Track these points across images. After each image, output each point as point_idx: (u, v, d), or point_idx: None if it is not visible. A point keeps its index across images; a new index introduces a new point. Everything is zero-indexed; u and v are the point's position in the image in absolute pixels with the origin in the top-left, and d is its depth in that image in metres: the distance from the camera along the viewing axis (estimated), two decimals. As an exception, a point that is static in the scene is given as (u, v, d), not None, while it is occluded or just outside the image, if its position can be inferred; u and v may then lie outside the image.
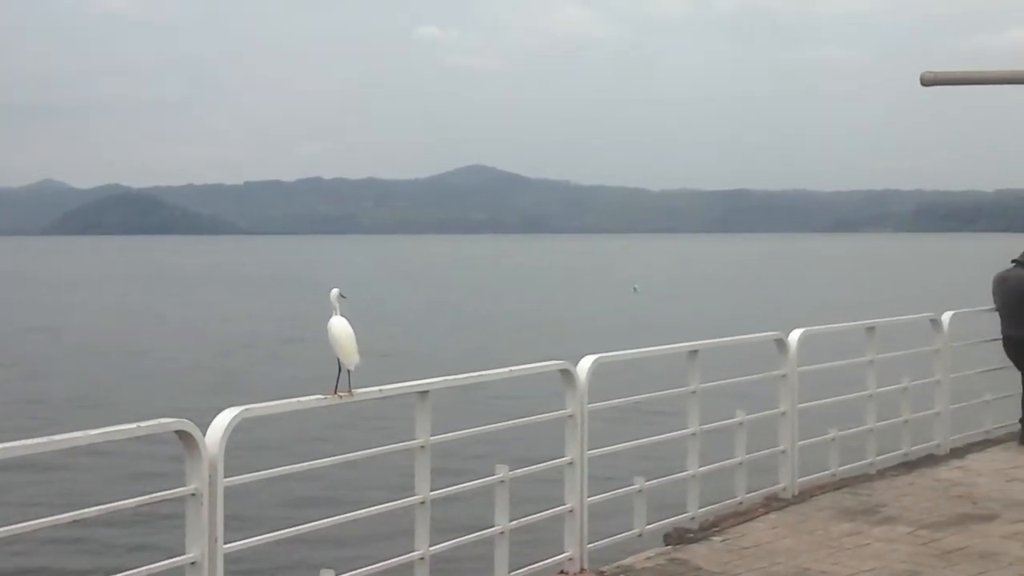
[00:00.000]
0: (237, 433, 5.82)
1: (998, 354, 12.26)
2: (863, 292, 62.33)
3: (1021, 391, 12.08)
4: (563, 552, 7.78)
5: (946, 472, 10.80)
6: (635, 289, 67.61)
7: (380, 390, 6.70)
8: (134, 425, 5.49)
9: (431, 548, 6.80)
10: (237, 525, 7.06)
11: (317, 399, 6.37)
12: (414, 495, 6.81)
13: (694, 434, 8.94)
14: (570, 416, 7.82)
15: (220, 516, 5.71)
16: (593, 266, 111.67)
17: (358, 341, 6.41)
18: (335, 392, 6.37)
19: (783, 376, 9.83)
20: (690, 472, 8.91)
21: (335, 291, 6.39)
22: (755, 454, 9.58)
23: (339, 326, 6.37)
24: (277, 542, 6.15)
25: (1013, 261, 12.26)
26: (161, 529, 12.73)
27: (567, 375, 7.82)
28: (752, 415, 9.56)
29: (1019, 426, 12.14)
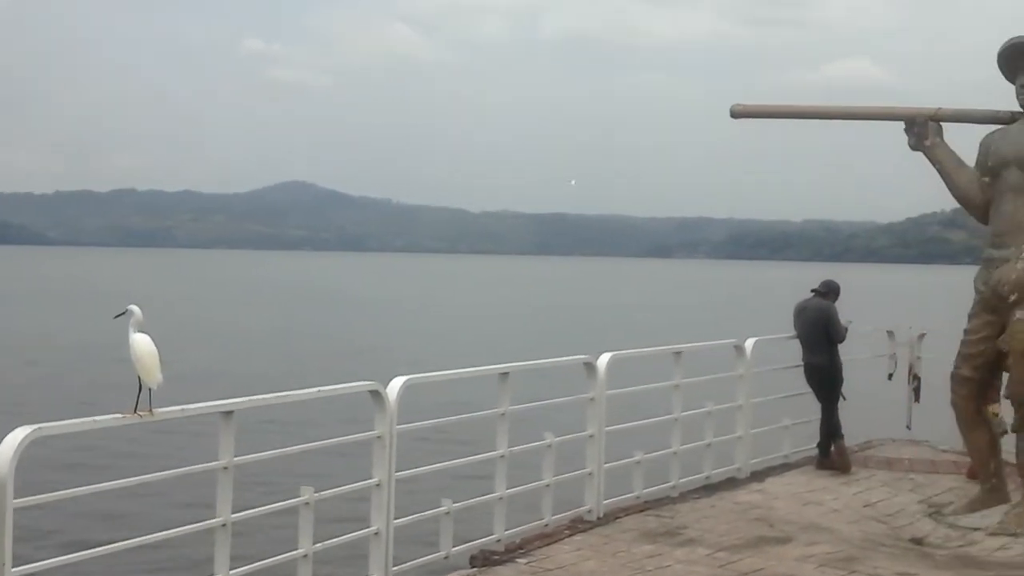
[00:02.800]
0: (33, 451, 5.62)
1: (798, 380, 12.67)
2: (674, 317, 63.73)
3: (819, 417, 12.51)
4: (368, 575, 7.72)
5: (746, 495, 11.10)
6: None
7: (182, 409, 6.55)
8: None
9: (231, 572, 6.66)
10: (27, 548, 6.81)
11: (115, 418, 6.19)
12: (215, 517, 6.68)
13: (502, 456, 8.99)
14: (378, 437, 7.78)
15: (9, 539, 5.49)
16: (411, 285, 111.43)
17: (161, 358, 6.26)
18: (135, 411, 6.19)
19: (591, 399, 9.97)
20: (497, 494, 8.95)
21: (135, 307, 6.22)
22: (562, 476, 9.69)
23: (141, 343, 6.21)
24: (67, 566, 5.94)
25: (812, 291, 12.72)
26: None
27: (377, 396, 7.79)
28: (560, 437, 9.67)
29: (816, 451, 12.59)
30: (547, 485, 9.45)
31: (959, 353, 11.15)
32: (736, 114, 11.87)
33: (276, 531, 9.22)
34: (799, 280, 14.35)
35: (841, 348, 12.54)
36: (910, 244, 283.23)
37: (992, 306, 10.73)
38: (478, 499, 8.92)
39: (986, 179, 10.98)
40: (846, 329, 12.45)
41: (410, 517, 8.13)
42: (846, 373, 12.52)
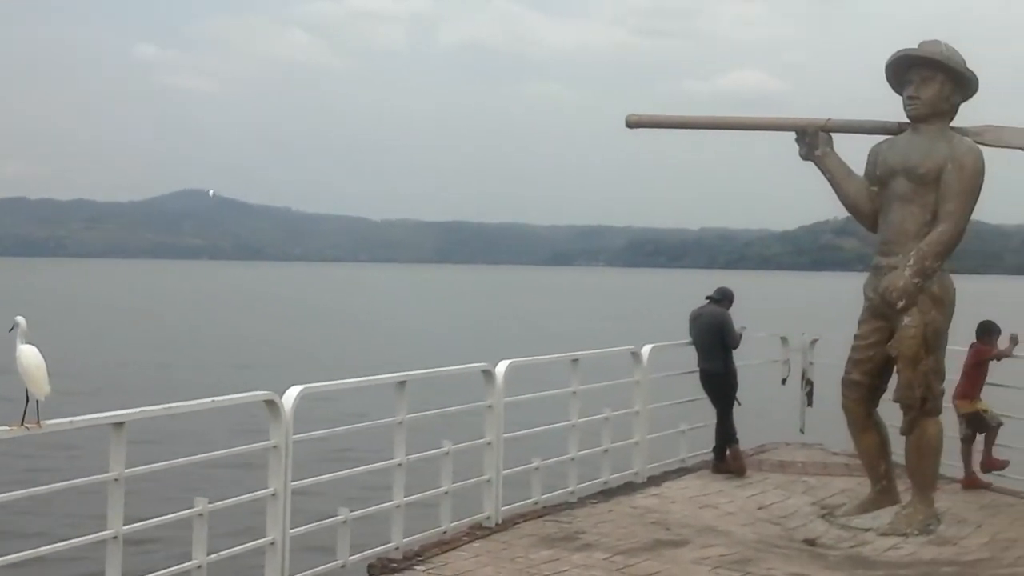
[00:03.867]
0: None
1: (694, 386, 12.82)
2: (573, 324, 64.05)
3: (715, 422, 12.67)
4: (264, 585, 7.65)
5: (643, 499, 11.21)
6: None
7: (71, 421, 6.44)
8: None
9: (123, 585, 6.56)
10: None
11: (2, 430, 6.06)
12: (106, 530, 6.57)
13: (400, 464, 8.98)
14: (274, 447, 7.72)
15: None
16: (309, 295, 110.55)
17: (49, 370, 6.15)
18: (22, 423, 6.08)
19: (489, 406, 10.00)
20: (395, 502, 8.94)
21: (21, 319, 6.11)
22: (461, 483, 9.70)
23: (28, 354, 6.10)
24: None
25: (707, 297, 12.89)
26: None
27: (272, 406, 7.73)
28: (458, 445, 9.69)
29: (712, 455, 12.76)
30: (445, 492, 9.46)
31: (850, 358, 11.38)
32: (631, 124, 11.98)
33: (169, 543, 9.11)
34: (696, 287, 14.52)
35: (736, 354, 12.71)
36: (804, 252, 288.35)
37: (881, 312, 10.97)
38: (376, 507, 8.89)
39: (874, 188, 11.22)
40: (740, 335, 12.63)
41: (307, 526, 8.09)
42: (740, 378, 12.69)
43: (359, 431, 9.39)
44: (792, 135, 11.53)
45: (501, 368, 10.07)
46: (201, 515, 7.14)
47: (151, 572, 6.93)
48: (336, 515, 8.31)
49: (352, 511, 8.42)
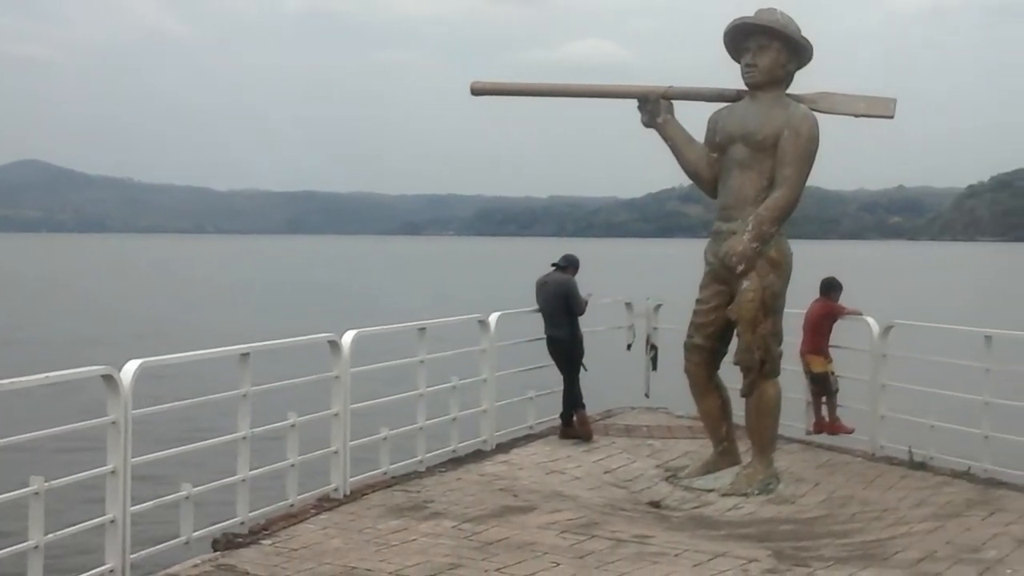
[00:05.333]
0: None
1: (541, 353, 12.91)
2: (422, 293, 64.00)
3: (562, 388, 12.79)
4: (104, 564, 7.48)
5: (491, 467, 11.27)
6: None
7: None
8: None
9: (-46, 569, 6.35)
10: None
11: None
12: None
13: (244, 437, 8.85)
14: (112, 423, 7.53)
15: None
16: (152, 267, 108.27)
17: None
18: None
19: (336, 377, 9.91)
20: (240, 476, 8.82)
21: None
22: (308, 456, 9.61)
23: None
24: None
25: (553, 265, 12.98)
26: None
27: (110, 381, 7.53)
28: (305, 417, 9.59)
29: (559, 421, 12.88)
30: (292, 465, 9.36)
31: (691, 323, 11.60)
32: (476, 91, 12.00)
33: (4, 523, 8.83)
34: (545, 255, 14.61)
35: (582, 320, 12.83)
36: (650, 219, 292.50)
37: (721, 277, 11.19)
38: (220, 482, 8.75)
39: (714, 155, 11.43)
40: (586, 302, 12.74)
41: (148, 503, 7.92)
42: (587, 344, 12.81)
43: (203, 405, 9.20)
44: (635, 103, 11.66)
45: (347, 338, 9.99)
46: (37, 494, 6.93)
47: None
48: (179, 491, 8.16)
49: (196, 486, 8.27)
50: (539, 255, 18.45)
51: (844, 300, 12.72)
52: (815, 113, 11.05)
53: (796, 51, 11.15)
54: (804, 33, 11.19)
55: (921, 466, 11.40)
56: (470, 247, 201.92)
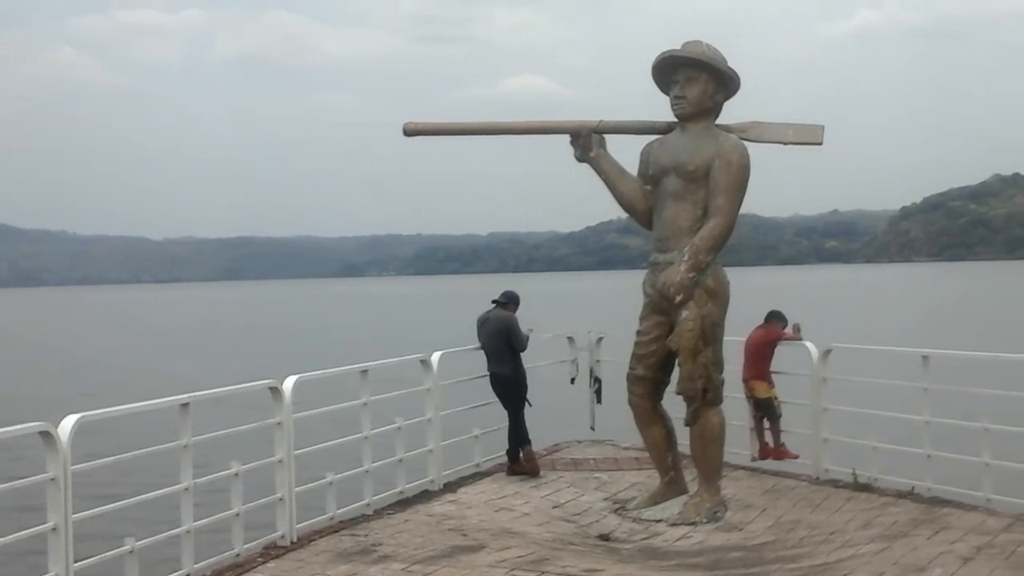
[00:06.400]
0: None
1: (485, 390, 12.89)
2: (364, 335, 63.75)
3: (507, 425, 12.78)
4: (47, 625, 7.36)
5: (439, 506, 11.21)
6: None
7: None
8: None
9: None
10: None
11: None
12: None
13: (187, 488, 8.75)
14: (52, 480, 7.43)
15: None
16: (87, 320, 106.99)
17: None
18: None
19: (279, 424, 9.85)
20: (185, 528, 8.71)
21: None
22: (253, 504, 9.53)
23: None
24: None
25: (493, 301, 12.99)
26: None
27: (47, 437, 7.44)
28: (248, 465, 9.51)
29: (506, 457, 12.86)
30: (237, 514, 9.27)
31: (633, 354, 11.64)
32: (408, 132, 12.00)
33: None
34: (487, 292, 14.61)
35: (524, 356, 12.84)
36: (591, 252, 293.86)
37: (660, 308, 11.25)
38: (165, 534, 8.65)
39: (648, 187, 11.52)
40: (527, 337, 12.75)
41: (91, 559, 7.81)
42: (530, 380, 12.81)
43: (145, 457, 9.11)
44: (568, 138, 11.74)
45: (288, 384, 9.93)
46: (-25, 556, 6.82)
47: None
48: (123, 546, 8.06)
49: (139, 540, 8.17)
50: (481, 292, 18.45)
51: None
52: (745, 142, 11.17)
53: (724, 82, 11.28)
54: (731, 64, 11.33)
55: (866, 488, 11.49)
56: (411, 287, 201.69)
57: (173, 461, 8.96)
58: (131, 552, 8.04)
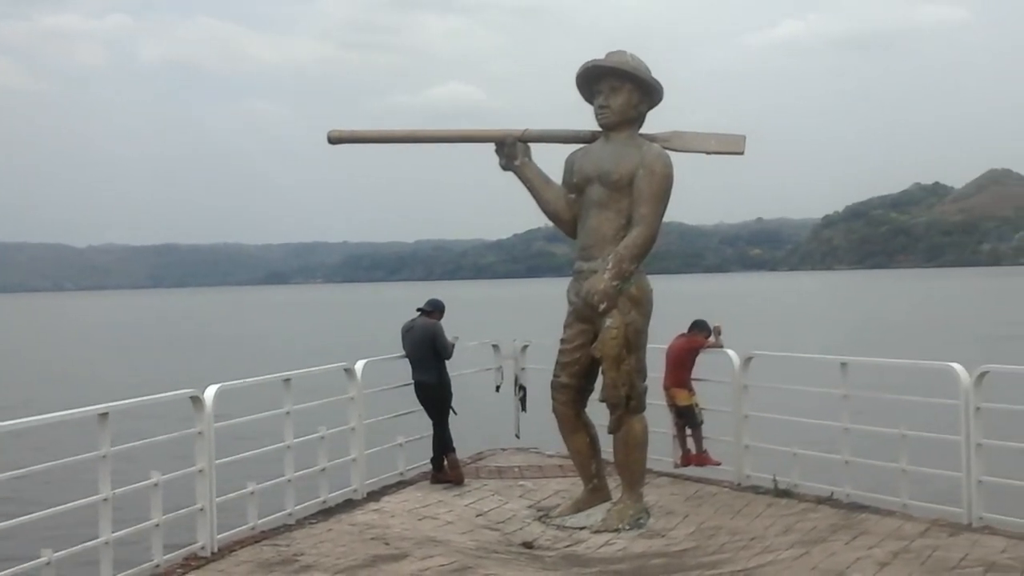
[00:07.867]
0: None
1: (410, 399, 12.85)
2: (287, 343, 63.32)
3: (432, 433, 12.75)
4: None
5: (362, 515, 11.15)
6: None
7: None
8: None
9: None
10: None
11: None
12: None
13: (106, 499, 8.63)
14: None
15: None
16: (7, 327, 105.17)
17: None
18: None
19: (199, 433, 9.74)
20: (103, 539, 8.58)
21: None
22: (173, 514, 9.42)
23: None
24: None
25: (418, 310, 12.97)
26: None
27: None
28: (168, 475, 9.40)
29: (430, 465, 12.83)
30: (157, 525, 9.16)
31: (557, 362, 11.68)
32: (333, 140, 11.93)
33: None
34: (413, 300, 14.57)
35: (449, 363, 12.83)
36: (518, 259, 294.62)
37: (584, 315, 11.30)
38: (82, 546, 8.51)
39: (572, 195, 11.57)
40: (453, 345, 12.74)
41: (6, 572, 7.66)
42: (455, 388, 12.81)
43: (62, 468, 8.96)
44: (492, 146, 11.75)
45: (209, 393, 9.83)
46: None
47: None
48: (40, 557, 7.92)
49: (56, 552, 8.04)
50: (407, 300, 18.41)
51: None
52: (669, 151, 11.26)
53: (647, 92, 11.36)
54: (656, 74, 11.42)
55: (786, 493, 11.62)
56: (337, 294, 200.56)
57: (91, 471, 8.83)
58: (48, 564, 7.90)
